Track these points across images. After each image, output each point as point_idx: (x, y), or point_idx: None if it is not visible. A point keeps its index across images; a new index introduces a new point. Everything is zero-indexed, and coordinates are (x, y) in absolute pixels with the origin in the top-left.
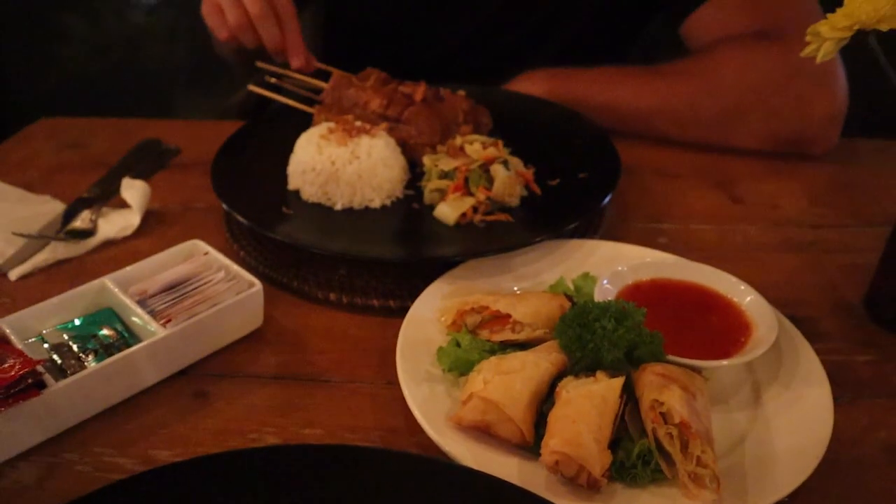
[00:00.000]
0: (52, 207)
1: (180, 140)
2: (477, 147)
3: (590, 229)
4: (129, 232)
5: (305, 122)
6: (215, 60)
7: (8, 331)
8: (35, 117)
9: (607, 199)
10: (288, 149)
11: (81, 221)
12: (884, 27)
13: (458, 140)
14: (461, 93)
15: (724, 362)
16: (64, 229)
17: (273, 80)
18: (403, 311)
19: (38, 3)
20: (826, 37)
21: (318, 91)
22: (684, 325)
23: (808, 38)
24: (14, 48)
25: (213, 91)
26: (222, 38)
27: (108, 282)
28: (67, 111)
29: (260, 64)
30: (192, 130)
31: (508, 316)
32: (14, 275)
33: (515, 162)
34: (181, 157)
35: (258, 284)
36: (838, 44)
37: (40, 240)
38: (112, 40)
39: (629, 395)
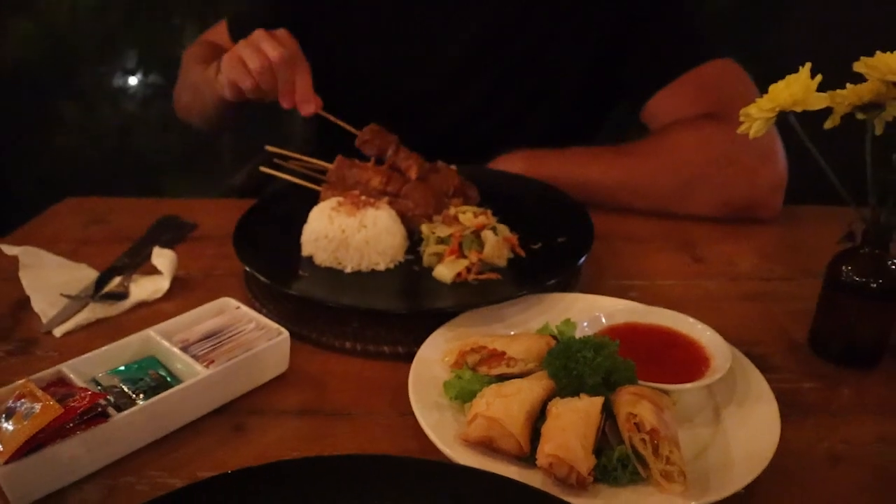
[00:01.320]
0: (87, 274)
1: (194, 216)
2: (469, 216)
3: (569, 286)
4: (159, 295)
5: (310, 199)
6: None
7: (71, 375)
8: (39, 199)
9: (582, 260)
10: (298, 221)
11: (114, 286)
12: (798, 109)
13: (453, 210)
14: (453, 167)
15: (688, 385)
16: (99, 293)
17: (279, 161)
18: (410, 355)
19: (38, 93)
20: (755, 117)
21: (321, 171)
22: (653, 359)
23: (741, 118)
24: (14, 134)
25: (208, 175)
26: (247, 86)
27: (152, 332)
28: (68, 192)
29: (269, 148)
30: (205, 208)
31: (503, 353)
32: (58, 332)
33: (502, 228)
34: (197, 230)
35: (285, 332)
36: (766, 122)
37: (80, 301)
38: (107, 128)
39: (608, 413)
